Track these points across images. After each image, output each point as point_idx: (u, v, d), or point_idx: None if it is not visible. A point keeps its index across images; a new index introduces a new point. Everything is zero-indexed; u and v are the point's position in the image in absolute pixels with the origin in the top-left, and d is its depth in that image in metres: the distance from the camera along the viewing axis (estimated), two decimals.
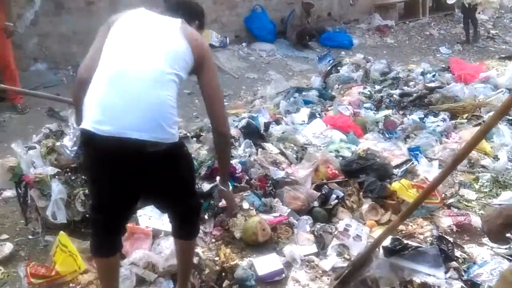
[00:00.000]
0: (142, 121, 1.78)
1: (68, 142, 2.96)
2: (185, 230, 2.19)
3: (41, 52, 6.25)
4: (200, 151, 3.65)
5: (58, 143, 3.01)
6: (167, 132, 1.82)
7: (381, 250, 2.46)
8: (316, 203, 3.17)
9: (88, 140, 1.85)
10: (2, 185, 3.20)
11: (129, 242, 2.67)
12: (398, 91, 5.45)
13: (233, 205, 2.52)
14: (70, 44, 6.44)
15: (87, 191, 2.82)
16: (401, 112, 4.97)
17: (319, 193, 3.20)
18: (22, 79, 5.35)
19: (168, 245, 2.64)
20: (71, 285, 2.52)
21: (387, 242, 2.51)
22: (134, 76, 1.82)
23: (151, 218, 2.89)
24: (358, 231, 2.86)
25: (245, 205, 3.00)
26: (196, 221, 2.23)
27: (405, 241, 2.58)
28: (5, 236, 2.97)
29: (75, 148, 2.91)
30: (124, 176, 1.88)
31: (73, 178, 2.89)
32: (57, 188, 2.75)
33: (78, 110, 1.95)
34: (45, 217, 2.81)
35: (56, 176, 2.82)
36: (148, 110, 1.79)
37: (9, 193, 3.38)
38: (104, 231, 2.05)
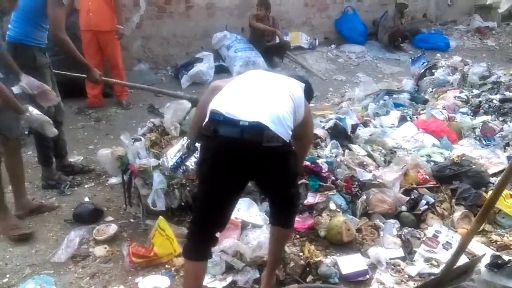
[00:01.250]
0: (267, 112, 1.98)
1: (172, 152, 3.10)
2: (283, 218, 2.29)
3: (144, 53, 6.76)
4: None
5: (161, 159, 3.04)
6: (285, 130, 2.00)
7: (482, 267, 2.34)
8: (404, 208, 3.12)
9: (214, 127, 1.99)
10: (111, 172, 3.53)
11: None
12: (498, 96, 5.11)
13: None
14: (170, 46, 6.90)
15: (184, 181, 3.04)
16: (501, 119, 4.65)
17: (408, 198, 3.15)
18: (127, 78, 5.83)
19: (255, 236, 2.76)
20: (166, 266, 2.74)
21: (487, 258, 2.39)
22: (264, 87, 2.15)
23: (239, 210, 3.02)
24: (448, 238, 2.77)
25: (332, 206, 3.03)
26: (294, 210, 2.36)
27: (507, 258, 2.44)
28: (110, 218, 3.28)
29: (175, 159, 3.03)
30: (240, 168, 2.03)
31: None
32: (158, 179, 2.99)
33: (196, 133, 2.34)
34: (146, 204, 3.08)
35: (158, 168, 3.05)
36: (273, 108, 2.01)
37: (114, 180, 3.72)
38: (205, 229, 2.13)
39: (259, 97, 2.06)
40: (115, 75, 5.53)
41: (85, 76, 3.77)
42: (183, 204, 3.07)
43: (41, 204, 3.35)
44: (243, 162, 2.02)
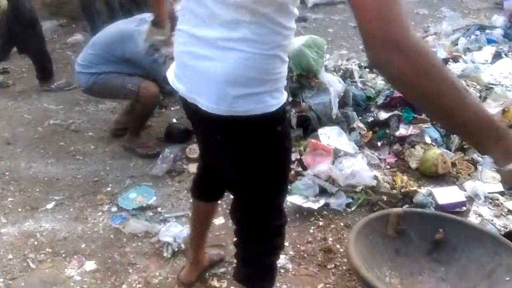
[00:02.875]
0: (198, 80, 1.23)
1: None
2: (241, 269, 1.58)
3: None
4: (376, 81, 3.64)
5: None
6: (226, 101, 1.17)
7: None
8: None
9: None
10: None
11: (311, 156, 2.84)
12: None
13: None
14: None
15: None
16: None
17: None
18: None
19: (349, 164, 2.72)
20: None
21: None
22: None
23: (329, 137, 3.01)
24: None
25: (427, 139, 2.94)
26: (262, 262, 1.51)
27: None
28: None
29: None
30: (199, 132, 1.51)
31: None
32: None
33: None
34: None
35: None
36: (207, 68, 1.19)
37: None
38: (201, 177, 1.82)
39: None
40: None
41: None
42: None
43: None
44: (197, 126, 1.45)
